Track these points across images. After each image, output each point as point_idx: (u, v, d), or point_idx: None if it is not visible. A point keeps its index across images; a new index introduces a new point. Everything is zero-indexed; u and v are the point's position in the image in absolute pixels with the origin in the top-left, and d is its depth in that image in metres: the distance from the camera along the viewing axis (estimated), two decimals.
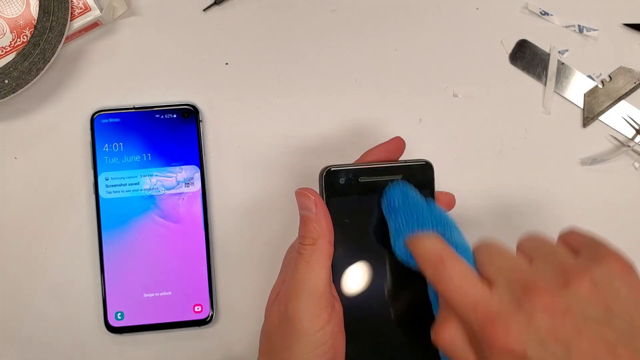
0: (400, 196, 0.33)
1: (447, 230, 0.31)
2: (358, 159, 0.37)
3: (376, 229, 0.34)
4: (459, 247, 0.30)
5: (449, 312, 0.28)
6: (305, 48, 0.47)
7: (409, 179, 0.34)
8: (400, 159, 0.37)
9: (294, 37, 0.47)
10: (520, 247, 0.31)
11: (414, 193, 0.33)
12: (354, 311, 0.33)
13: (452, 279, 0.28)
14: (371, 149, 0.37)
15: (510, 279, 0.27)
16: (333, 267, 0.33)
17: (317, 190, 0.34)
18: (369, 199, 0.34)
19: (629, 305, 0.26)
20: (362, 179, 0.34)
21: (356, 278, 0.34)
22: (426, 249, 0.29)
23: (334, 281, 0.33)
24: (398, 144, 0.37)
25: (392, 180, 0.34)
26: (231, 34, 0.47)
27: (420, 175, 0.35)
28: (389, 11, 0.47)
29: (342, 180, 0.34)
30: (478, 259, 0.30)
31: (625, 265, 0.28)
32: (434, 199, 0.35)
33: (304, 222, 0.33)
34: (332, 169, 0.34)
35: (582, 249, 0.29)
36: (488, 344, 0.26)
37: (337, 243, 0.33)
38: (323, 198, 0.34)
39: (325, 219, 0.32)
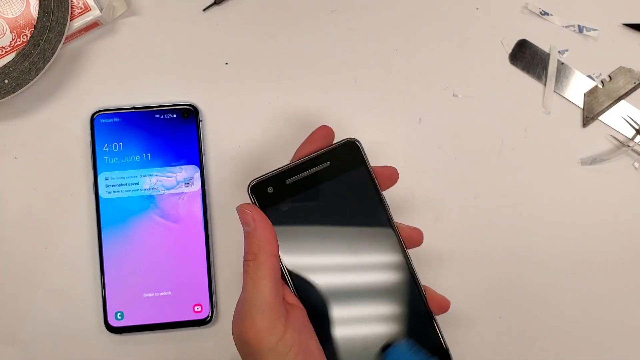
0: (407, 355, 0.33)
1: None
2: (290, 160, 0.36)
3: (321, 223, 0.34)
4: None
5: None
6: (305, 48, 0.47)
7: (337, 163, 0.34)
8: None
9: (293, 37, 0.47)
10: None
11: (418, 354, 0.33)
12: (318, 311, 0.33)
13: None
14: (298, 148, 0.37)
15: None
16: (291, 273, 0.33)
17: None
18: (304, 197, 0.34)
19: None
20: (289, 181, 0.34)
21: (314, 277, 0.34)
22: None
23: (294, 286, 0.33)
24: (323, 132, 0.37)
25: (321, 172, 0.33)
26: (231, 34, 0.47)
27: (349, 155, 0.34)
28: (389, 11, 0.47)
29: (270, 190, 0.33)
30: None
31: None
32: (372, 174, 0.34)
33: (245, 238, 0.33)
34: (256, 181, 0.34)
35: None
36: None
37: (287, 249, 0.33)
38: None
39: (264, 233, 0.33)
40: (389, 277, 0.34)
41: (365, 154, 0.35)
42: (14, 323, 0.45)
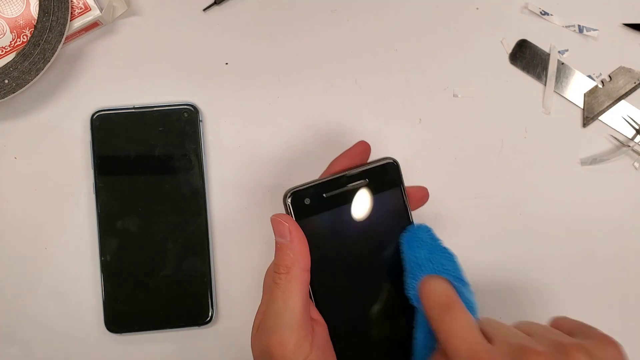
0: (425, 236, 0.33)
1: (461, 283, 0.32)
2: (324, 172, 0.36)
3: (350, 239, 0.34)
4: (468, 303, 0.31)
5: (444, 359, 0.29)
6: (305, 48, 0.47)
7: (375, 181, 0.34)
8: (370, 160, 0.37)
9: (294, 38, 0.47)
10: (516, 323, 0.31)
11: (437, 239, 0.33)
12: (341, 328, 0.33)
13: (457, 325, 0.29)
14: (335, 160, 0.36)
15: (511, 341, 0.28)
16: (315, 287, 0.33)
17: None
18: (339, 212, 0.33)
19: None
20: (327, 194, 0.33)
21: (339, 295, 0.34)
22: (437, 292, 0.30)
23: (316, 301, 0.33)
24: (362, 148, 0.37)
25: (359, 186, 0.34)
26: (231, 34, 0.47)
27: (386, 176, 0.34)
28: (389, 11, 0.47)
29: (307, 201, 0.33)
30: (482, 322, 0.30)
31: (618, 348, 0.29)
32: (405, 196, 0.35)
33: (278, 250, 0.33)
34: (294, 191, 0.33)
35: (575, 331, 0.31)
36: None
37: (316, 263, 0.33)
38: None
39: (299, 246, 0.32)
40: (404, 299, 0.34)
41: (402, 176, 0.35)
42: (14, 323, 0.45)
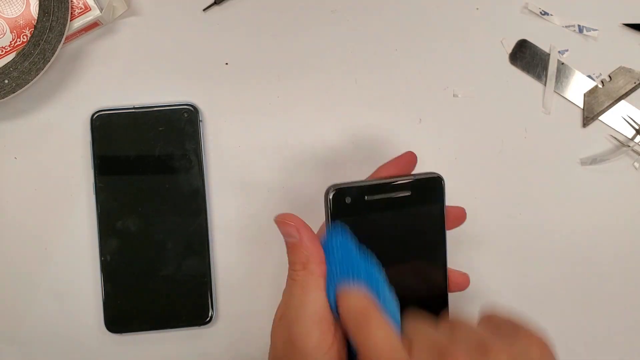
0: (339, 241, 0.32)
1: (378, 288, 0.31)
2: (370, 176, 0.37)
3: (386, 247, 0.33)
4: (387, 303, 0.30)
5: None
6: (305, 48, 0.47)
7: (418, 194, 0.34)
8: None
9: (294, 38, 0.47)
10: (443, 321, 0.31)
11: (351, 241, 0.32)
12: None
13: (374, 338, 0.28)
14: (382, 165, 0.37)
15: (431, 345, 0.28)
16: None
17: (324, 209, 0.33)
18: (377, 217, 0.33)
19: None
20: (368, 197, 0.33)
21: None
22: (352, 305, 0.30)
23: None
24: (409, 158, 0.37)
25: (399, 198, 0.33)
26: (231, 34, 0.47)
27: (430, 190, 0.34)
28: (389, 11, 0.47)
29: (347, 200, 0.33)
30: (404, 324, 0.30)
31: (545, 346, 0.29)
32: (444, 212, 0.34)
33: (290, 248, 0.33)
34: (339, 187, 0.33)
35: (502, 328, 0.30)
36: None
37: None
38: (329, 217, 0.33)
39: (311, 242, 0.32)
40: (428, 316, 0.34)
41: (445, 193, 0.35)
42: (14, 323, 0.45)
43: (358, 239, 0.33)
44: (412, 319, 0.31)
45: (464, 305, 0.46)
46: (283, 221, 0.33)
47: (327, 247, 0.32)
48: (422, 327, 0.30)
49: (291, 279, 0.32)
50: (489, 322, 0.31)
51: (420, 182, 0.34)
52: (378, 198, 0.33)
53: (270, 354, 0.34)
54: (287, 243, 0.33)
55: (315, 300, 0.31)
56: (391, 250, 0.34)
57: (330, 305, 0.31)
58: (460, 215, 0.37)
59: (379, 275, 0.32)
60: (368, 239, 0.33)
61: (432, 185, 0.34)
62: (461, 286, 0.37)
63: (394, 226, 0.34)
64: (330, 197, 0.33)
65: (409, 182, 0.34)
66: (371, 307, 0.30)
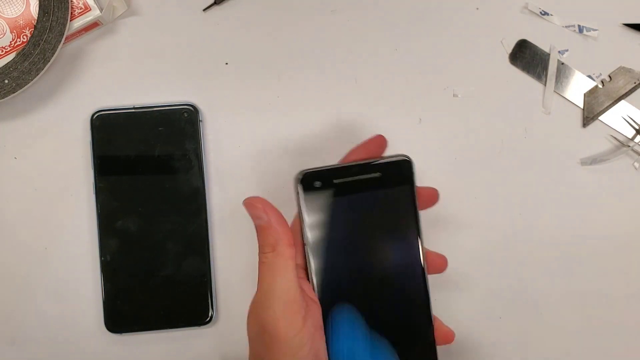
0: (346, 323, 0.32)
1: None
2: (340, 160, 0.37)
3: (355, 229, 0.34)
4: None
5: None
6: (305, 48, 0.47)
7: (387, 176, 0.34)
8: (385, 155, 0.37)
9: (293, 37, 0.47)
10: None
11: (360, 322, 0.32)
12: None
13: None
14: (352, 149, 0.37)
15: None
16: (314, 270, 0.33)
17: (294, 195, 0.33)
18: (347, 200, 0.34)
19: None
20: (337, 181, 0.34)
21: (336, 280, 0.34)
22: None
23: (314, 283, 0.33)
24: (379, 141, 0.37)
25: (369, 180, 0.33)
26: (231, 34, 0.47)
27: (400, 172, 0.34)
28: (388, 11, 0.47)
29: (317, 184, 0.33)
30: None
31: None
32: (414, 193, 0.35)
33: (259, 231, 0.33)
34: (306, 172, 0.33)
35: None
36: None
37: (317, 245, 0.33)
38: (299, 202, 0.33)
39: (279, 224, 0.32)
40: (405, 296, 0.34)
41: (414, 174, 0.35)
42: (14, 323, 0.45)
43: (329, 223, 0.33)
44: None
45: (464, 305, 0.46)
46: (251, 203, 0.33)
47: (334, 329, 0.32)
48: None
49: (260, 262, 0.32)
50: None
51: (389, 165, 0.34)
52: (347, 180, 0.34)
53: (248, 341, 0.34)
54: (256, 226, 0.33)
55: (283, 282, 0.31)
56: (363, 232, 0.34)
57: None
58: (432, 195, 0.37)
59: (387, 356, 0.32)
60: (341, 221, 0.33)
61: (401, 167, 0.34)
62: (439, 268, 0.37)
63: (365, 209, 0.34)
64: (299, 181, 0.33)
65: (377, 164, 0.34)
66: None
